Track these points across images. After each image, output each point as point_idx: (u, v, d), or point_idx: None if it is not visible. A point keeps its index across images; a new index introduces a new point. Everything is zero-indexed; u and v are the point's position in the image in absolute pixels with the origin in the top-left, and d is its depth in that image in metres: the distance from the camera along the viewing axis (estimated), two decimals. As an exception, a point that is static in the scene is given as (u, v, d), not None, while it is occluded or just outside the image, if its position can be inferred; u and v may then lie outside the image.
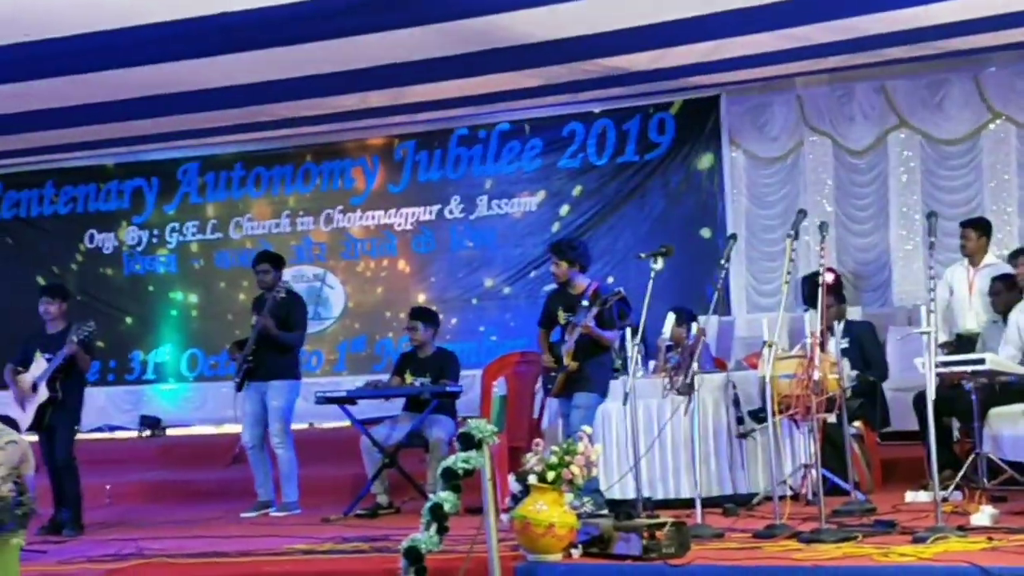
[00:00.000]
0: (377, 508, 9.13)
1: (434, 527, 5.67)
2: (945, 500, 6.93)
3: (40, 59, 8.88)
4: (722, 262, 7.44)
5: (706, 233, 12.24)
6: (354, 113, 11.55)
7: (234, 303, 13.65)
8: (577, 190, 12.79)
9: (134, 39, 8.54)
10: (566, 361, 8.25)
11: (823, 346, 7.29)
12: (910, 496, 7.75)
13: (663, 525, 6.03)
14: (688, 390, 7.07)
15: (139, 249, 14.22)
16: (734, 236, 7.97)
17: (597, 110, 12.61)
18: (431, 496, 5.84)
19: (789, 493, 7.58)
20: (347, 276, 13.59)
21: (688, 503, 7.32)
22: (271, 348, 9.41)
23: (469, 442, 5.77)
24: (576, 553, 6.17)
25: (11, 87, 9.38)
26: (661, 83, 11.20)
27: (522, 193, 13.01)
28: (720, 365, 9.54)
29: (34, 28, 8.28)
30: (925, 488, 7.47)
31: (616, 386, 8.26)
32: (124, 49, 8.83)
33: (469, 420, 5.98)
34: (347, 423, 9.88)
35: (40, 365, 8.81)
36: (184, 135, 12.44)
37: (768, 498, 7.42)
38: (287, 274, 10.06)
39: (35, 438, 8.83)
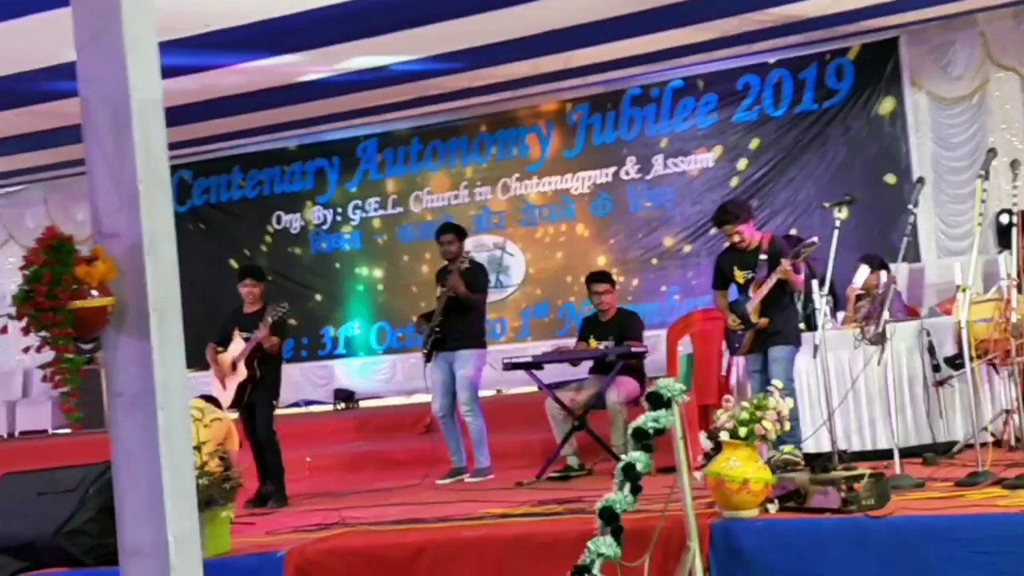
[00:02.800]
0: (568, 471, 9.18)
1: (628, 487, 5.66)
2: None
3: (221, 47, 9.14)
4: (910, 207, 7.23)
5: (891, 179, 11.94)
6: (526, 80, 11.59)
7: (418, 276, 13.87)
8: (754, 143, 12.60)
9: (308, 22, 8.73)
10: (754, 319, 8.14)
11: (1021, 288, 7.05)
12: (1119, 439, 7.46)
13: (861, 477, 5.92)
14: (880, 339, 6.91)
15: (324, 228, 14.56)
16: (921, 180, 7.74)
17: (772, 60, 12.39)
18: (622, 457, 5.84)
19: (990, 440, 7.35)
20: (527, 243, 13.67)
21: (885, 454, 7.17)
22: (458, 318, 9.52)
23: (658, 401, 5.75)
24: (772, 508, 6.10)
25: (196, 77, 9.67)
26: (838, 28, 10.95)
27: (698, 150, 12.89)
28: (912, 313, 9.31)
29: (214, 18, 8.54)
30: None
31: (806, 338, 8.13)
32: (299, 33, 9.04)
33: (657, 380, 5.94)
34: (534, 388, 9.93)
35: (238, 344, 9.07)
36: (361, 113, 12.68)
37: (969, 446, 7.23)
38: (467, 244, 10.15)
39: (236, 415, 9.14)
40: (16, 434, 15.15)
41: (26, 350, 4.43)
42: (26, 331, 4.28)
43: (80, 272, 4.26)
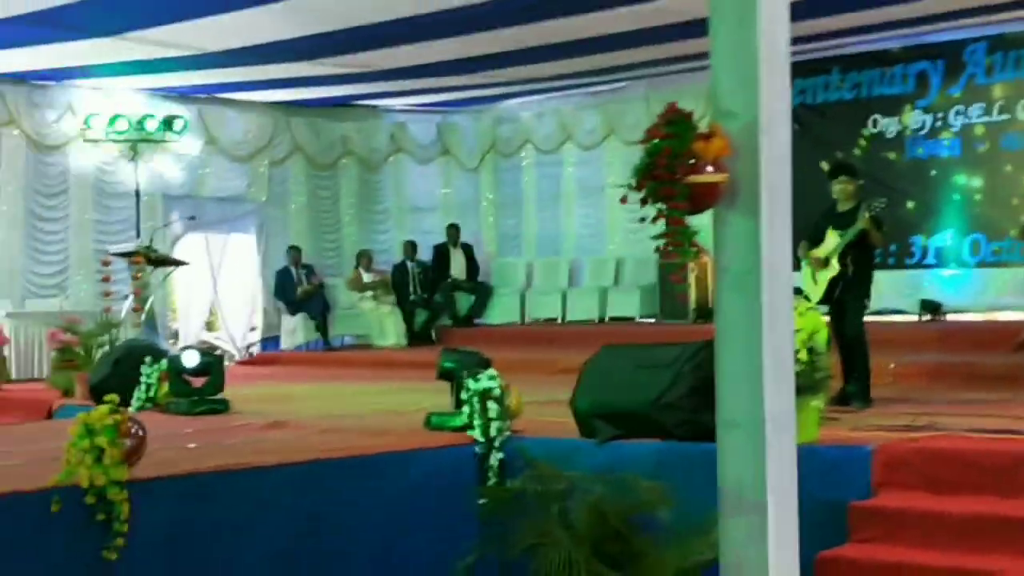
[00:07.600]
0: None
1: None
2: None
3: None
4: None
5: None
6: None
7: (1019, 186, 13.13)
8: None
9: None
10: None
11: None
12: None
13: None
14: None
15: (922, 133, 14.09)
16: None
17: None
18: None
19: None
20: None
21: None
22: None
23: None
24: None
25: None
26: None
27: None
28: None
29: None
30: None
31: None
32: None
33: None
34: None
35: (831, 241, 9.01)
36: (969, 13, 12.09)
37: None
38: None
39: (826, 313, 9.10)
40: (606, 319, 16.06)
41: (641, 220, 4.65)
42: (643, 202, 4.50)
43: (697, 148, 4.41)
